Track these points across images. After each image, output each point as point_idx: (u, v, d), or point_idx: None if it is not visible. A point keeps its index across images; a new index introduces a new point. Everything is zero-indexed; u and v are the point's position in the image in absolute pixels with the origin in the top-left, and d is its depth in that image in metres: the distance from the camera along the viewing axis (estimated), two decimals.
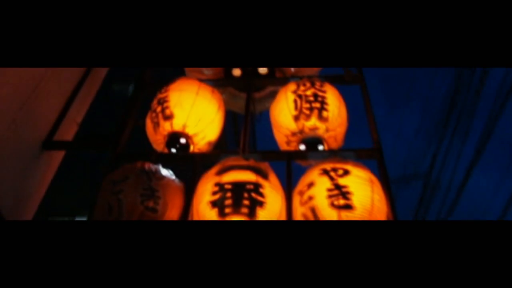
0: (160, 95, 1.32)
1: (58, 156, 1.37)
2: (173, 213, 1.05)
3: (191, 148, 1.28)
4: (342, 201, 0.99)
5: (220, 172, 1.05)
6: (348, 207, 0.99)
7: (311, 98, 1.29)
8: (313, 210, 1.01)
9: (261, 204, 1.00)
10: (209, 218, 1.00)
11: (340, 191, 1.01)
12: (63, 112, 1.40)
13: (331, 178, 1.03)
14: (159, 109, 1.30)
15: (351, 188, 1.01)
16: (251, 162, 1.08)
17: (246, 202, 0.99)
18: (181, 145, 1.29)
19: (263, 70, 1.62)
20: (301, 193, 1.05)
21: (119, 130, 1.31)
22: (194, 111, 1.29)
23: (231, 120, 2.86)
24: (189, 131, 1.28)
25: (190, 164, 1.21)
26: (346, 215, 0.98)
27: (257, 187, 1.02)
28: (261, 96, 1.70)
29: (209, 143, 1.32)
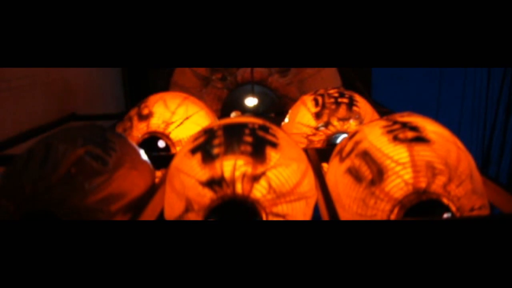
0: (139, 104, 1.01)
1: None
2: (130, 179, 0.63)
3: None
4: (410, 134, 0.60)
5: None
6: (421, 139, 0.59)
7: (336, 95, 0.97)
8: (364, 155, 0.59)
9: (273, 144, 0.60)
10: (188, 170, 0.58)
11: (402, 125, 0.62)
12: None
13: (386, 119, 0.65)
14: (134, 112, 0.97)
15: (420, 123, 0.62)
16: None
17: (248, 138, 0.60)
18: (159, 149, 0.92)
19: None
20: (341, 150, 0.65)
21: None
22: (181, 110, 0.96)
23: None
24: (172, 132, 0.92)
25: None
26: (421, 150, 0.57)
27: (265, 127, 0.63)
28: None
29: None
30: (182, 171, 0.58)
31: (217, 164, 0.56)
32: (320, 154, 0.87)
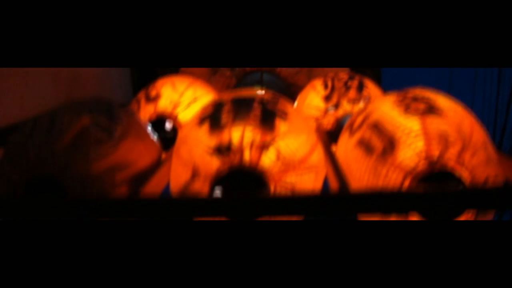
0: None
1: None
2: (136, 150, 0.62)
3: None
4: (422, 105, 0.58)
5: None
6: (433, 110, 0.57)
7: (346, 78, 0.96)
8: (375, 127, 0.58)
9: (282, 115, 0.59)
10: (195, 138, 0.57)
11: (414, 97, 0.60)
12: None
13: (397, 93, 0.63)
14: (141, 94, 0.96)
15: (432, 96, 0.60)
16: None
17: (257, 109, 0.58)
18: (167, 131, 0.91)
19: None
20: (351, 125, 0.64)
21: None
22: (189, 92, 0.95)
23: None
24: (180, 114, 0.91)
25: None
26: (434, 120, 0.55)
27: (274, 100, 0.62)
28: None
29: None
30: (190, 140, 0.57)
31: (225, 132, 0.55)
32: (329, 136, 0.85)
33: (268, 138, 0.55)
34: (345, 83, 0.93)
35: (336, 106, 0.89)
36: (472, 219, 0.53)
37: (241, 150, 0.53)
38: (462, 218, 0.54)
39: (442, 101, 0.59)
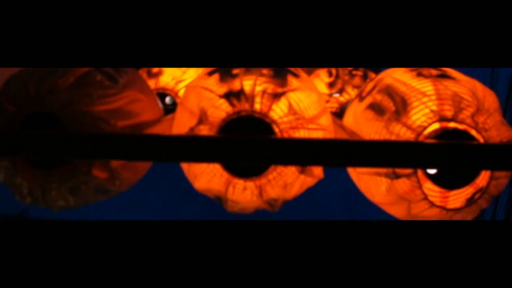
0: None
1: None
2: (139, 103, 0.60)
3: None
4: (435, 71, 0.57)
5: None
6: (445, 76, 0.56)
7: (350, 68, 0.95)
8: (387, 89, 0.57)
9: (295, 74, 0.58)
10: (205, 85, 0.55)
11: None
12: None
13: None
14: (143, 70, 0.95)
15: (443, 68, 0.60)
16: None
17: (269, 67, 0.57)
18: (167, 105, 0.89)
19: None
20: (360, 94, 0.63)
21: None
22: (192, 70, 0.93)
23: None
24: (181, 90, 0.90)
25: None
26: (447, 84, 0.55)
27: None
28: None
29: None
30: (198, 88, 0.55)
31: (236, 80, 0.54)
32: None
33: (279, 89, 0.53)
34: (350, 72, 0.93)
35: (341, 91, 0.88)
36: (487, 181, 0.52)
37: (252, 97, 0.52)
38: (471, 187, 0.53)
39: (453, 71, 0.58)
